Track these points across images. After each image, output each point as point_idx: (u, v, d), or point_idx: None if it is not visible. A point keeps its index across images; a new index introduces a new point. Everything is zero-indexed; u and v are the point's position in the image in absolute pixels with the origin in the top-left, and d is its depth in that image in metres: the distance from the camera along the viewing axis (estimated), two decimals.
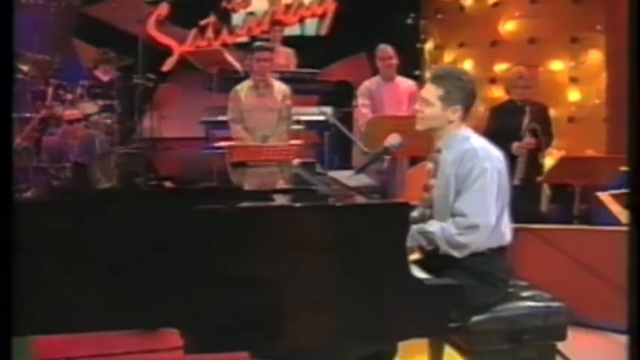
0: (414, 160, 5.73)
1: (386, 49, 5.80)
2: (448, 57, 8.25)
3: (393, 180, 5.21)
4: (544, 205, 5.89)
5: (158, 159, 7.63)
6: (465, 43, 8.11)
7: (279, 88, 5.63)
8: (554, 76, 7.53)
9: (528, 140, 5.18)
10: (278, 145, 5.17)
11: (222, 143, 5.23)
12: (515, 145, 5.13)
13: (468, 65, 7.93)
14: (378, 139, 4.15)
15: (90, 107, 6.75)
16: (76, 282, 2.22)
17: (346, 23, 8.49)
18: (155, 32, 8.50)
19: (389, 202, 3.20)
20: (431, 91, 2.74)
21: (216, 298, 2.23)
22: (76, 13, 8.34)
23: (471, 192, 2.62)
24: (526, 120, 5.19)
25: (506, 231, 2.73)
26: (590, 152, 6.90)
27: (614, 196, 4.51)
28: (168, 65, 8.53)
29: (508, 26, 7.82)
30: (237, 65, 7.01)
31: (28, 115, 6.61)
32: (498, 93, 7.06)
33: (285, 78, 6.16)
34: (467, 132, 2.77)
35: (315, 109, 6.18)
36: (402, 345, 2.68)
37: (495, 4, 7.90)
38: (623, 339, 2.30)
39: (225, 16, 8.72)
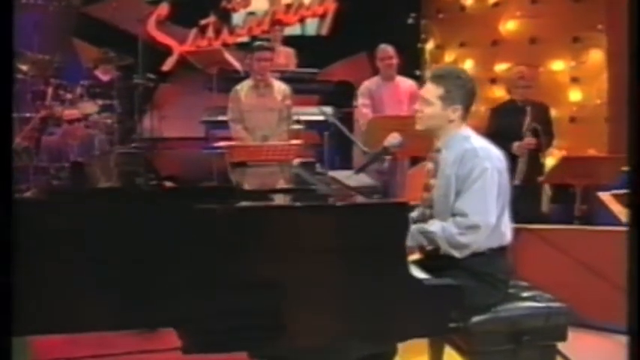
0: (415, 161, 5.72)
1: (386, 49, 5.80)
2: (449, 57, 8.26)
3: (393, 180, 5.22)
4: (545, 206, 5.88)
5: (158, 159, 7.63)
6: (465, 43, 8.12)
7: (280, 87, 5.63)
8: (555, 76, 7.53)
9: (529, 140, 5.17)
10: (278, 144, 5.16)
11: (222, 143, 5.22)
12: (516, 145, 5.13)
13: (468, 65, 7.94)
14: (379, 139, 4.15)
15: (90, 107, 6.75)
16: (76, 282, 2.21)
17: (347, 23, 8.48)
18: (155, 32, 8.50)
19: (388, 202, 3.19)
20: (431, 91, 2.74)
21: (215, 298, 2.22)
22: (76, 13, 8.34)
23: (472, 192, 2.61)
24: (527, 120, 5.19)
25: (507, 231, 2.73)
26: (591, 152, 6.89)
27: (616, 196, 4.50)
28: (168, 65, 8.52)
29: (509, 26, 7.83)
30: (238, 65, 7.01)
31: (28, 114, 6.61)
32: (499, 93, 7.06)
33: (285, 78, 6.16)
34: (467, 132, 2.77)
35: (315, 109, 6.17)
36: (402, 345, 2.67)
37: (496, 4, 7.91)
38: (624, 339, 2.29)
39: (225, 16, 8.71)
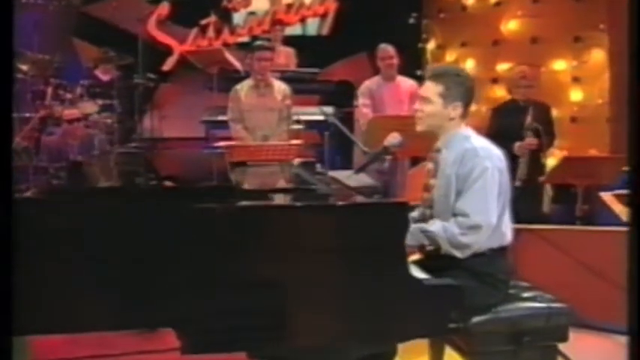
0: (415, 161, 5.71)
1: (387, 49, 5.79)
2: (450, 56, 8.25)
3: (394, 180, 5.21)
4: (546, 206, 5.87)
5: (158, 159, 7.62)
6: (467, 43, 8.11)
7: (280, 87, 5.62)
8: (556, 76, 7.51)
9: (530, 140, 5.16)
10: (278, 144, 5.15)
11: (222, 143, 5.21)
12: (517, 145, 5.12)
13: (470, 65, 7.93)
14: (379, 138, 4.13)
15: (90, 107, 6.74)
16: (76, 282, 2.21)
17: (348, 23, 8.47)
18: (156, 31, 8.49)
19: (388, 202, 3.19)
20: (431, 89, 2.73)
21: (215, 297, 2.22)
22: (76, 13, 8.33)
23: (473, 191, 2.61)
24: (528, 120, 5.17)
25: (507, 231, 2.72)
26: (592, 152, 6.87)
27: (617, 197, 4.49)
28: (168, 65, 8.51)
29: (510, 26, 7.82)
30: (238, 65, 7.00)
31: (27, 114, 6.60)
32: (500, 93, 7.05)
33: (285, 78, 6.14)
34: (467, 131, 2.77)
35: (315, 109, 6.16)
36: (402, 346, 2.66)
37: (497, 4, 7.90)
38: (625, 340, 2.28)
39: (226, 16, 8.70)
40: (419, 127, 2.80)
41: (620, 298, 2.32)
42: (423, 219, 2.78)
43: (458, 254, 2.60)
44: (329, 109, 5.91)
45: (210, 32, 8.56)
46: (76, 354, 3.38)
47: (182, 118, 7.81)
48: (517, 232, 2.86)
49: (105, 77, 7.22)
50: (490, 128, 5.19)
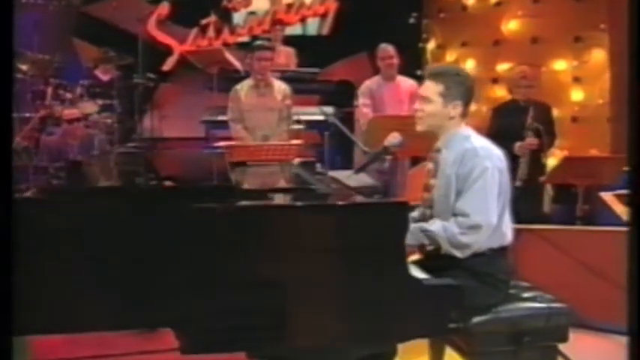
0: (416, 161, 5.70)
1: (387, 49, 5.79)
2: (450, 56, 8.24)
3: (394, 180, 5.20)
4: (546, 206, 5.87)
5: (158, 159, 7.61)
6: (467, 43, 8.10)
7: (280, 87, 5.61)
8: (557, 76, 7.50)
9: (531, 141, 5.15)
10: (278, 144, 5.14)
11: (222, 143, 5.20)
12: (517, 145, 5.11)
13: (470, 65, 7.93)
14: (379, 138, 4.12)
15: (90, 107, 6.74)
16: (75, 282, 2.20)
17: (348, 23, 8.46)
18: (156, 31, 8.48)
19: (387, 202, 3.19)
20: (431, 88, 2.73)
21: (214, 297, 2.22)
22: (76, 12, 8.32)
23: (473, 191, 2.60)
24: (529, 120, 5.17)
25: (507, 231, 2.72)
26: (593, 152, 6.86)
27: (618, 197, 4.48)
28: (168, 65, 8.51)
29: (511, 25, 7.81)
30: (238, 65, 6.99)
31: (27, 114, 6.59)
32: (501, 93, 7.04)
33: (286, 77, 6.14)
34: (467, 131, 2.76)
35: (315, 109, 6.16)
36: (402, 346, 2.65)
37: (498, 4, 7.89)
38: (625, 340, 2.27)
39: (226, 16, 8.69)
40: (419, 127, 2.79)
41: (621, 298, 2.31)
42: (423, 219, 2.78)
43: (458, 254, 2.59)
44: (329, 109, 5.90)
45: (211, 32, 8.55)
46: (76, 354, 3.38)
47: (182, 118, 7.80)
48: (517, 232, 2.85)
49: (105, 77, 7.22)
50: (491, 128, 5.18)
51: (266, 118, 5.47)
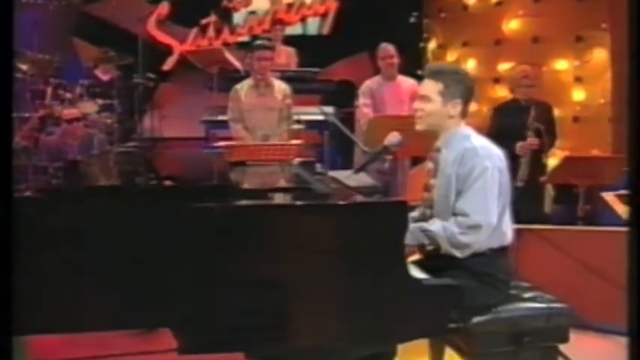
0: (417, 161, 5.69)
1: (387, 48, 5.79)
2: (451, 56, 8.23)
3: (394, 180, 5.19)
4: (547, 206, 5.85)
5: (158, 159, 7.60)
6: (468, 42, 8.09)
7: (280, 87, 5.61)
8: (558, 76, 7.49)
9: (532, 141, 5.14)
10: (278, 144, 5.13)
11: (222, 143, 5.19)
12: (518, 145, 5.10)
13: (471, 64, 7.92)
14: (379, 138, 4.09)
15: (90, 106, 6.73)
16: (75, 281, 2.20)
17: (348, 22, 8.46)
18: (156, 31, 8.48)
19: (386, 201, 3.18)
20: (430, 87, 2.73)
21: (213, 297, 2.21)
22: (76, 12, 8.33)
23: (473, 191, 2.60)
24: (530, 120, 5.15)
25: (508, 231, 2.71)
26: (594, 152, 6.84)
27: (619, 197, 4.47)
28: (168, 64, 8.51)
29: (512, 25, 7.79)
30: (238, 64, 6.98)
31: (27, 114, 6.58)
32: (502, 92, 7.04)
33: (286, 77, 6.13)
34: (467, 130, 2.76)
35: (316, 109, 6.14)
36: (402, 347, 2.64)
37: (499, 3, 7.88)
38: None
39: (226, 15, 8.69)
40: (419, 126, 2.79)
41: (622, 298, 2.30)
42: (423, 219, 2.78)
43: (457, 254, 2.59)
44: (329, 109, 5.89)
45: (211, 32, 8.55)
46: (75, 354, 3.37)
47: (182, 118, 7.79)
48: (518, 233, 2.85)
49: (105, 77, 7.22)
50: (492, 128, 5.17)
51: (266, 118, 5.47)
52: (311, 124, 6.35)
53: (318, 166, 4.23)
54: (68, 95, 6.71)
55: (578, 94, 7.46)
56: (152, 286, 2.21)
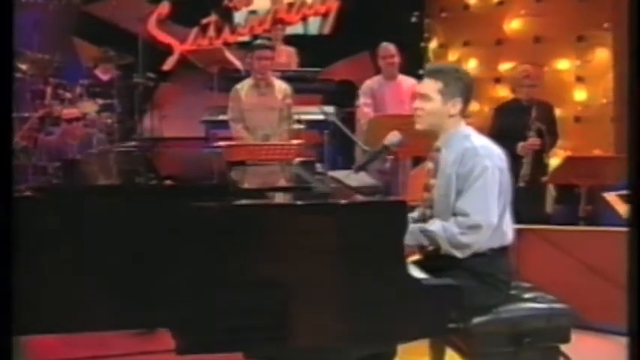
0: (418, 161, 5.68)
1: (388, 48, 5.78)
2: (452, 56, 8.21)
3: (395, 180, 5.17)
4: (549, 206, 5.84)
5: (158, 158, 7.59)
6: (469, 42, 8.08)
7: (280, 87, 5.60)
8: (560, 75, 7.47)
9: (533, 141, 5.14)
10: (278, 144, 5.13)
11: (222, 143, 5.18)
12: (520, 145, 5.09)
13: (472, 64, 7.91)
14: (380, 138, 4.07)
15: (89, 106, 6.73)
16: (74, 281, 2.20)
17: (349, 22, 8.47)
18: (156, 31, 8.49)
19: (386, 201, 3.16)
20: (430, 86, 2.72)
21: (213, 297, 2.20)
22: (76, 12, 8.34)
23: (473, 191, 2.59)
24: (531, 119, 5.15)
25: (508, 231, 2.70)
26: (596, 152, 6.83)
27: (621, 197, 4.46)
28: (169, 64, 8.52)
29: (513, 25, 7.78)
30: (239, 64, 6.98)
31: (27, 114, 6.59)
32: (503, 92, 7.03)
33: (286, 77, 6.13)
34: (467, 130, 2.75)
35: (316, 109, 6.13)
36: (402, 347, 2.64)
37: (500, 3, 7.87)
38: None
39: (226, 15, 8.70)
40: (419, 125, 2.78)
41: (623, 299, 2.29)
42: (423, 219, 2.77)
43: (458, 254, 2.58)
44: (330, 109, 5.88)
45: (211, 31, 8.55)
46: (75, 354, 3.39)
47: (182, 117, 7.79)
48: (519, 233, 2.84)
49: (105, 77, 7.22)
50: (493, 128, 5.17)
51: (267, 118, 5.47)
52: (311, 124, 6.34)
53: (319, 166, 4.22)
54: (68, 95, 6.71)
55: (580, 94, 7.45)
56: (152, 285, 2.20)
